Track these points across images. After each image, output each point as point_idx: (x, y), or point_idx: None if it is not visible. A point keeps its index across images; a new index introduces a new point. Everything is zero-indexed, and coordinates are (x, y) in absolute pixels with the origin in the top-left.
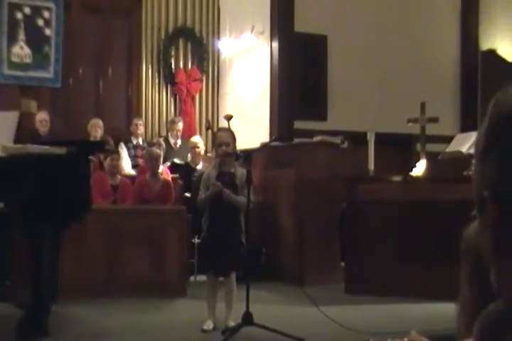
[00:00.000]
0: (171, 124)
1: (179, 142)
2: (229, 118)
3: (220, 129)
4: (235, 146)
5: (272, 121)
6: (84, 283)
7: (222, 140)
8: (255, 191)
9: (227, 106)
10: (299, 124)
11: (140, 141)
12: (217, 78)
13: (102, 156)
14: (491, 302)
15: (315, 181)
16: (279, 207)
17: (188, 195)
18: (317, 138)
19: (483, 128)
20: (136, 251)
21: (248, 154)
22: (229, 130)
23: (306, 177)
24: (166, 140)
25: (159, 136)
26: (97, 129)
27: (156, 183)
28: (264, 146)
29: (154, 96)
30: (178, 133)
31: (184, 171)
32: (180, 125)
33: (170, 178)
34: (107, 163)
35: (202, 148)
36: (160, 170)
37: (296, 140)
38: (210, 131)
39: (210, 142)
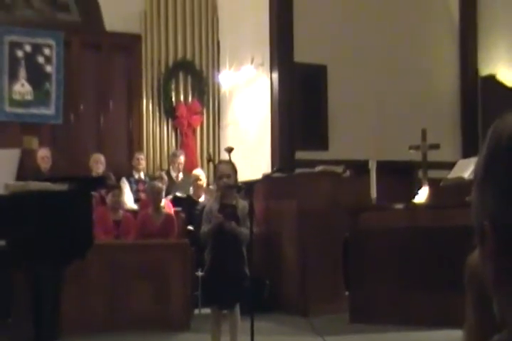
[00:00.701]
0: (172, 157)
1: (181, 175)
2: (230, 150)
3: (220, 161)
4: (236, 178)
5: (273, 152)
6: (85, 319)
7: (223, 172)
8: (257, 222)
9: (228, 139)
10: (300, 154)
11: (142, 175)
12: (218, 110)
13: (103, 192)
14: (496, 330)
15: (317, 211)
16: (282, 237)
17: (190, 228)
18: (319, 168)
19: (481, 156)
20: (139, 285)
21: (250, 186)
22: (230, 162)
23: (309, 208)
24: (168, 173)
25: (161, 169)
26: (98, 165)
27: (158, 217)
28: (266, 177)
29: (155, 130)
30: (180, 167)
31: (186, 204)
32: (181, 158)
33: (172, 212)
34: (108, 198)
35: (204, 181)
36: (162, 204)
37: (298, 170)
38: (211, 164)
39: (212, 174)
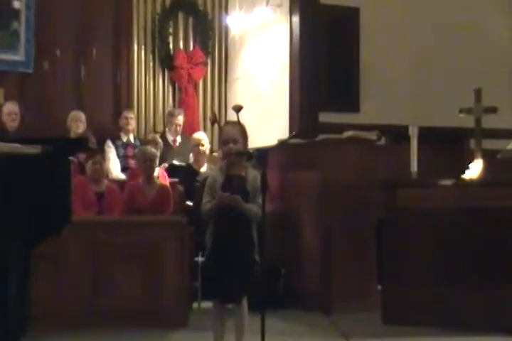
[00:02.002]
0: (169, 118)
1: (179, 139)
2: (238, 109)
3: (227, 123)
4: (246, 144)
5: (292, 113)
6: (62, 310)
7: (229, 136)
8: (271, 198)
9: (236, 95)
10: (325, 117)
11: (131, 138)
12: (225, 61)
13: (83, 157)
14: None
15: (345, 186)
16: (301, 217)
17: (189, 203)
18: (347, 134)
19: None
20: (126, 272)
21: (262, 153)
22: (238, 124)
23: (334, 182)
24: (163, 137)
25: (155, 131)
26: (78, 124)
27: (150, 189)
28: (283, 144)
29: (148, 84)
30: (178, 129)
31: (185, 175)
32: (180, 118)
33: (168, 183)
34: (88, 166)
35: (207, 147)
36: (156, 174)
37: (322, 136)
38: (216, 126)
39: (217, 139)
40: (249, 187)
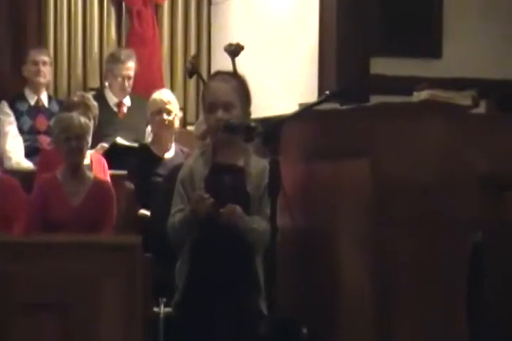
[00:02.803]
0: (110, 65)
1: (128, 102)
2: (235, 51)
3: (216, 76)
4: (247, 112)
5: (323, 57)
6: None
7: (219, 98)
8: (287, 206)
9: (229, 28)
10: (380, 65)
11: (44, 98)
12: None
13: None
14: None
15: (414, 186)
16: (339, 238)
17: (145, 212)
18: (421, 95)
19: None
20: (34, 328)
21: (273, 128)
22: (235, 77)
23: (396, 178)
24: (101, 97)
25: (85, 88)
26: None
27: (77, 189)
28: (307, 112)
29: (75, 6)
30: (127, 84)
31: (138, 163)
32: (130, 66)
33: (108, 178)
34: None
35: (177, 116)
36: (87, 162)
37: (375, 98)
38: (195, 80)
39: (196, 103)
40: (251, 186)
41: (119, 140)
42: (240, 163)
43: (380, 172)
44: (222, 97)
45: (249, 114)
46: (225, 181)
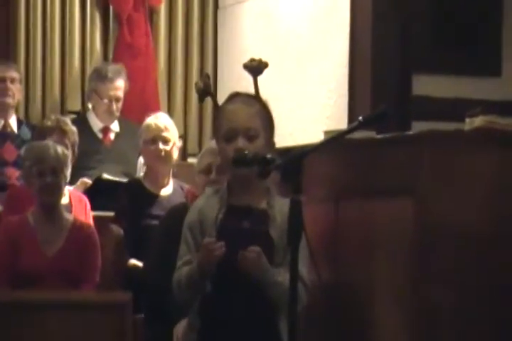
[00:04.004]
0: (96, 82)
1: (116, 128)
2: (257, 68)
3: (234, 97)
4: (270, 143)
5: (355, 75)
6: None
7: (239, 123)
8: (311, 256)
9: (239, 37)
10: (425, 84)
11: (13, 121)
12: None
13: None
14: None
15: (474, 234)
16: (373, 290)
17: (136, 263)
18: (475, 122)
19: None
20: None
21: (296, 161)
22: (257, 99)
23: (446, 220)
24: (82, 121)
25: (64, 111)
26: None
27: (53, 234)
28: (337, 141)
29: (52, 12)
30: (115, 107)
31: (129, 202)
32: (119, 85)
33: (91, 220)
34: None
35: (175, 144)
36: (65, 201)
37: (419, 125)
38: (207, 102)
39: (197, 129)
40: (275, 232)
41: (105, 175)
42: (262, 204)
43: (425, 215)
44: (244, 123)
45: (273, 145)
46: (244, 226)
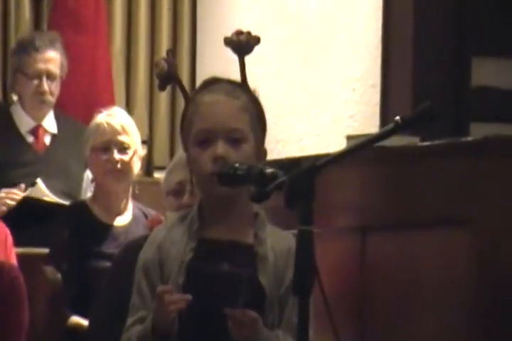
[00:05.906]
0: (19, 56)
1: (51, 126)
2: (244, 45)
3: (210, 84)
4: (260, 149)
5: (389, 59)
6: None
7: (218, 122)
8: (327, 310)
9: (226, 11)
10: (487, 72)
11: None
12: None
13: None
14: None
15: None
16: None
17: (80, 320)
18: None
19: None
20: None
21: (305, 178)
22: (243, 88)
23: None
24: (3, 117)
25: None
26: None
27: None
28: (364, 150)
29: None
30: (48, 89)
31: (70, 235)
32: (52, 57)
33: (14, 260)
34: None
35: (136, 153)
36: None
37: (479, 126)
38: (171, 91)
39: (168, 131)
40: (267, 278)
41: (37, 191)
42: (248, 238)
43: (488, 251)
44: (226, 122)
45: (264, 153)
46: (223, 269)
